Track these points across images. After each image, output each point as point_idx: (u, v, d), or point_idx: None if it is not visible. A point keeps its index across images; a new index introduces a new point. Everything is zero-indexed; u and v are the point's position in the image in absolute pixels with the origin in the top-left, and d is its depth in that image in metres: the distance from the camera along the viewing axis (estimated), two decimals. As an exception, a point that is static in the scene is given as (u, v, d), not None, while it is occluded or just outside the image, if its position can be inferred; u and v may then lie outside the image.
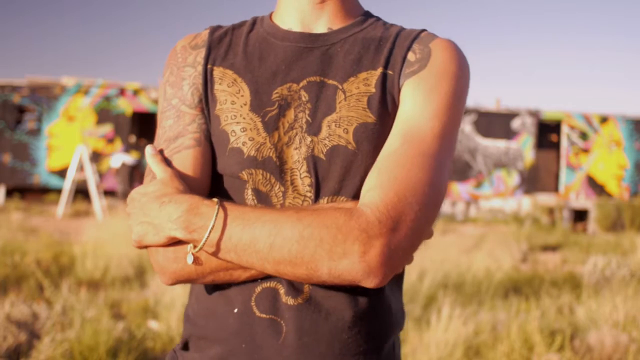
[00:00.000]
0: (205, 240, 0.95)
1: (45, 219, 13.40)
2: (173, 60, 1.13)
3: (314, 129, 1.04)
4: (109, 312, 4.82)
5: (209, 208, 0.96)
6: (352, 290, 1.01)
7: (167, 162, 1.07)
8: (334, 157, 1.02)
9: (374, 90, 1.04)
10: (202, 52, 1.12)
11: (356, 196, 1.02)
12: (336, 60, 1.07)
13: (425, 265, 6.81)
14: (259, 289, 1.03)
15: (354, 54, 1.08)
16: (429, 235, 1.02)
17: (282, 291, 1.02)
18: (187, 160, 1.06)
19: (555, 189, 20.49)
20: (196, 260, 0.99)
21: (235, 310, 1.03)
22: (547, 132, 21.02)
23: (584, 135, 19.98)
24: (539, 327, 4.37)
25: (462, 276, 6.86)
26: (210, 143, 1.08)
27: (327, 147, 1.03)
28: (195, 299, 1.11)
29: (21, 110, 18.59)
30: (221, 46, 1.12)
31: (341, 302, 1.01)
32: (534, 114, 19.92)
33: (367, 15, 1.15)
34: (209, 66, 1.10)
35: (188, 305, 1.13)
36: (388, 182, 0.96)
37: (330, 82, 1.06)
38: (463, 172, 19.54)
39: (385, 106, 1.04)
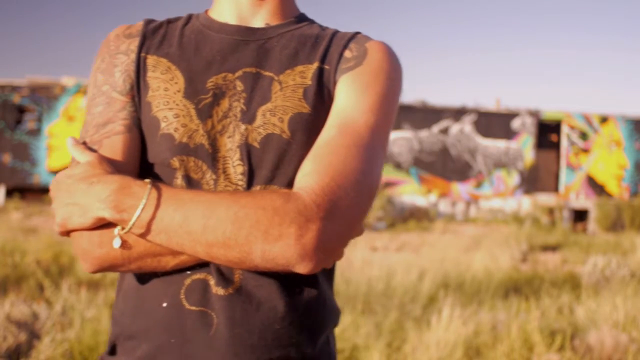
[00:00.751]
0: (135, 220, 0.92)
1: (45, 219, 13.40)
2: (105, 49, 1.12)
3: (248, 117, 1.03)
4: (109, 312, 4.81)
5: (141, 188, 0.94)
6: (284, 280, 1.00)
7: (93, 150, 1.03)
8: (268, 145, 1.02)
9: (309, 82, 1.06)
10: (136, 41, 1.10)
11: (289, 185, 1.01)
12: (272, 54, 1.08)
13: (425, 265, 6.81)
14: (188, 281, 1.00)
15: (290, 49, 1.09)
16: (360, 231, 1.02)
17: (212, 282, 1.00)
18: (116, 145, 1.04)
19: (555, 189, 20.50)
20: (123, 244, 0.95)
21: (164, 305, 1.01)
22: (547, 132, 21.02)
23: (584, 135, 19.99)
24: (539, 327, 4.37)
25: (462, 276, 6.86)
26: (140, 131, 1.06)
27: (262, 136, 1.02)
28: (122, 298, 1.07)
29: (21, 110, 18.60)
30: (156, 36, 1.11)
31: (273, 292, 1.00)
32: (534, 114, 19.92)
33: (303, 17, 1.17)
34: (142, 54, 1.09)
35: (114, 306, 1.09)
36: (324, 168, 0.96)
37: (266, 73, 1.06)
38: (463, 172, 19.54)
39: (321, 98, 1.05)
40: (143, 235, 0.94)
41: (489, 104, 20.29)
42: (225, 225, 0.91)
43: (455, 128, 19.73)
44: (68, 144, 1.04)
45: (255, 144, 1.02)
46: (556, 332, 4.49)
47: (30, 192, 18.59)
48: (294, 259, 0.92)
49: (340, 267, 7.48)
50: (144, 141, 1.06)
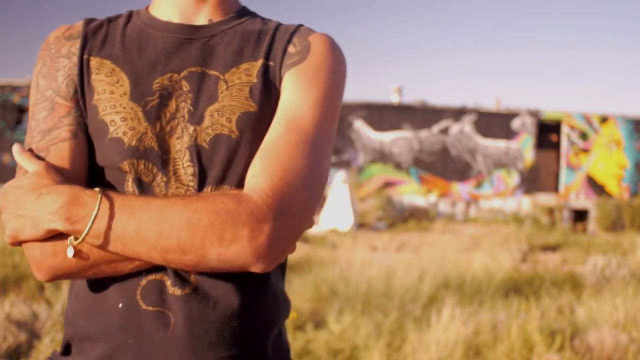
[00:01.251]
0: (88, 231, 0.92)
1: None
2: (46, 52, 1.10)
3: (196, 118, 1.03)
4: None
5: (91, 198, 0.93)
6: (239, 278, 1.01)
7: (40, 157, 1.03)
8: (217, 145, 1.02)
9: (255, 80, 1.06)
10: (77, 43, 1.09)
11: (240, 185, 1.02)
12: (217, 52, 1.08)
13: (425, 265, 6.81)
14: (144, 281, 1.00)
15: (234, 46, 1.09)
16: (310, 224, 1.03)
17: (168, 282, 1.00)
18: (63, 152, 1.03)
19: (555, 189, 20.50)
20: (77, 254, 0.95)
21: (120, 305, 1.01)
22: (547, 132, 21.02)
23: (584, 135, 19.99)
24: (539, 327, 4.37)
25: (462, 276, 6.86)
26: (86, 136, 1.05)
27: (210, 136, 1.02)
28: (76, 298, 1.07)
29: (21, 110, 18.60)
30: (97, 37, 1.10)
31: (228, 291, 1.01)
32: (534, 114, 19.92)
33: (245, 10, 1.16)
34: (85, 56, 1.08)
35: (67, 306, 1.09)
36: (272, 168, 0.97)
37: (212, 72, 1.06)
38: (463, 172, 19.54)
39: (267, 96, 1.06)
40: (99, 246, 0.94)
41: (489, 104, 20.31)
42: (179, 231, 0.91)
43: (455, 128, 19.73)
44: (14, 151, 1.03)
45: (205, 145, 1.02)
46: (556, 332, 4.49)
47: (30, 192, 18.59)
48: (249, 260, 0.93)
49: (340, 267, 7.48)
50: (91, 145, 1.05)
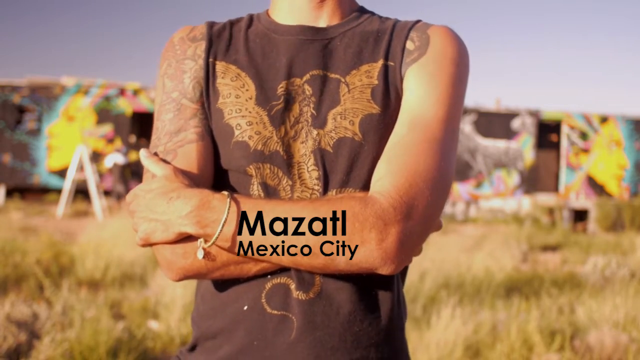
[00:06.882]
0: (219, 235, 0.94)
1: (45, 219, 13.40)
2: (171, 52, 1.12)
3: (319, 122, 1.04)
4: (109, 312, 4.81)
5: (220, 202, 0.95)
6: (362, 281, 1.01)
7: (167, 159, 1.04)
8: (341, 149, 1.02)
9: (376, 82, 1.05)
10: (202, 45, 1.10)
11: (364, 187, 1.02)
12: (336, 54, 1.08)
13: (426, 265, 6.81)
14: (269, 285, 1.01)
15: (353, 47, 1.08)
16: (438, 225, 1.03)
17: (292, 286, 1.01)
18: (191, 154, 1.04)
19: (555, 189, 20.49)
20: (207, 255, 0.97)
21: (245, 308, 1.02)
22: (547, 132, 21.02)
23: (584, 135, 19.99)
24: (539, 327, 4.37)
25: (463, 276, 6.86)
26: (211, 138, 1.07)
27: (334, 140, 1.03)
28: (201, 299, 1.09)
29: (21, 110, 18.60)
30: (221, 40, 1.11)
31: (352, 295, 1.01)
32: (534, 114, 19.92)
33: (362, 10, 1.16)
34: (210, 59, 1.09)
35: (194, 309, 1.12)
36: (398, 169, 0.96)
37: (333, 75, 1.06)
38: (463, 172, 19.54)
39: (389, 97, 1.05)
40: (228, 248, 0.96)
41: (489, 104, 20.30)
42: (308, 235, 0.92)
43: (455, 128, 19.74)
44: (141, 155, 1.05)
45: (329, 149, 1.03)
46: (556, 332, 4.49)
47: (30, 192, 18.58)
48: (377, 263, 0.93)
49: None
50: (215, 148, 1.07)
